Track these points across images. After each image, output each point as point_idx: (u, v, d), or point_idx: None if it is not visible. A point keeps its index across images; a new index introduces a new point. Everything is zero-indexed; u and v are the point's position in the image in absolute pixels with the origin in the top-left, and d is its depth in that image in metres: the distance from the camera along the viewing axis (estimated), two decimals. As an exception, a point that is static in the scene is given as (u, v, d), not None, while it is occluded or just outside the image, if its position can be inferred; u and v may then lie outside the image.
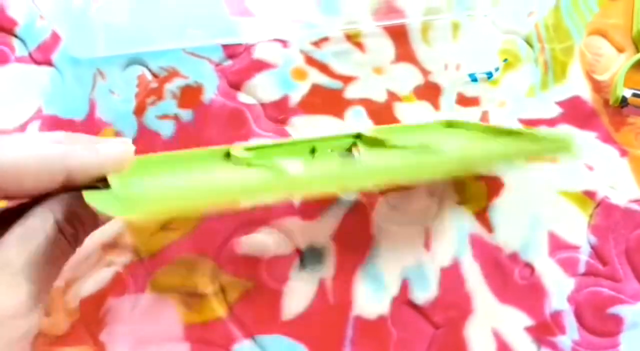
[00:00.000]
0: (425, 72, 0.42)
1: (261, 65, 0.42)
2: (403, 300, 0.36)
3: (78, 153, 0.25)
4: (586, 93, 0.41)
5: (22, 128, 0.39)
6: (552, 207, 0.39)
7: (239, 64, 0.42)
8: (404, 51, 0.43)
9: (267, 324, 0.35)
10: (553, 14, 0.43)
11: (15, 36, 0.41)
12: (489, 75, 0.41)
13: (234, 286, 0.36)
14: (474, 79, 0.41)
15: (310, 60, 0.42)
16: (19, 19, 0.41)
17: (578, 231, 0.38)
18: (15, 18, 0.41)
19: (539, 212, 0.39)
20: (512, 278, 0.37)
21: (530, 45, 0.43)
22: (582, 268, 0.38)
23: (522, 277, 0.37)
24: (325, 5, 0.43)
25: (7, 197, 0.24)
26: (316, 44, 0.43)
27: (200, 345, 0.35)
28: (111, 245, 0.36)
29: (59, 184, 0.25)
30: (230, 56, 0.42)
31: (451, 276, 0.37)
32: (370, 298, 0.36)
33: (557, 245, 0.38)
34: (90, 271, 0.36)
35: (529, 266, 0.37)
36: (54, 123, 0.39)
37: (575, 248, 0.38)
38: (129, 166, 0.28)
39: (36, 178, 0.24)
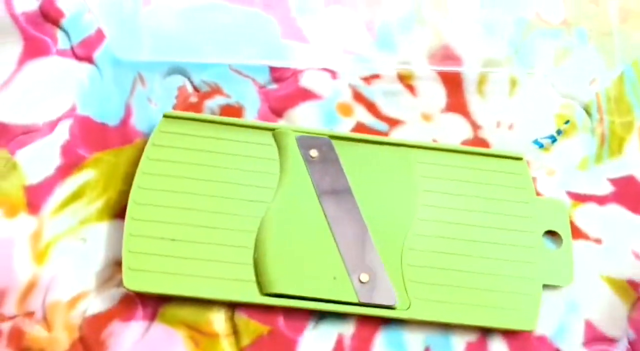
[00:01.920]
0: (475, 126, 0.38)
1: (307, 94, 0.38)
2: (423, 370, 0.32)
3: None
4: (641, 174, 0.37)
5: (53, 125, 0.35)
6: (592, 291, 0.34)
7: (284, 89, 0.38)
8: (456, 101, 0.38)
9: (277, 377, 0.31)
10: (616, 85, 0.39)
11: (60, 28, 0.37)
12: (553, 139, 0.37)
13: (248, 330, 0.32)
14: (540, 145, 0.37)
15: (358, 96, 0.38)
16: (67, 10, 0.37)
17: (617, 322, 0.33)
18: (63, 9, 0.37)
19: (578, 295, 0.33)
20: (540, 364, 0.32)
21: (589, 114, 0.38)
22: (616, 365, 0.33)
23: (551, 364, 0.33)
24: (381, 41, 0.39)
25: None
26: (366, 79, 0.38)
27: (203, 388, 0.31)
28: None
29: None
30: (276, 80, 0.38)
31: None
32: (389, 364, 0.32)
33: (593, 336, 0.32)
34: (99, 288, 0.32)
35: (560, 353, 0.33)
36: (86, 125, 0.35)
37: (612, 341, 0.32)
38: None
39: None
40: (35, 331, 0.31)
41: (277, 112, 0.36)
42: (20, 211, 0.33)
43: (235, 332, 0.31)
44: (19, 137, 0.34)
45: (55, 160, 0.34)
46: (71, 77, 0.36)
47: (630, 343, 0.33)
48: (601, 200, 0.35)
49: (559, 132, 0.37)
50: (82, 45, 0.36)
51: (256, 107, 0.36)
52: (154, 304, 0.31)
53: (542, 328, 0.32)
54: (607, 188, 0.36)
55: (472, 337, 0.32)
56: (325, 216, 0.33)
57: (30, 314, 0.31)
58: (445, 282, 0.32)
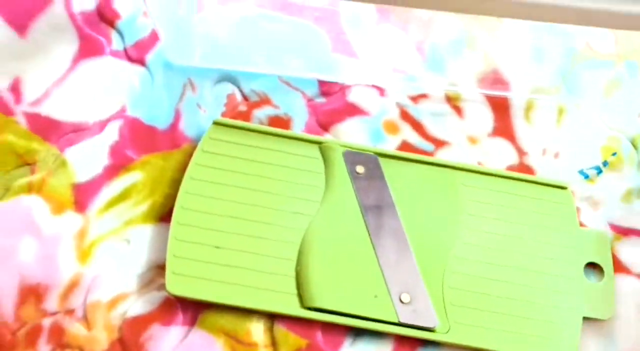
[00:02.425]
0: (521, 152, 0.37)
1: (354, 110, 0.38)
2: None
3: None
4: (685, 211, 0.37)
5: (102, 125, 0.35)
6: (633, 327, 0.33)
7: (332, 103, 0.38)
8: (503, 125, 0.38)
9: (312, 391, 0.31)
10: (665, 119, 0.39)
11: (115, 29, 0.37)
12: (599, 170, 0.37)
13: (286, 342, 0.31)
14: (585, 176, 0.37)
15: (405, 115, 0.38)
16: (123, 12, 0.37)
17: None
18: (119, 11, 0.37)
19: (618, 329, 0.32)
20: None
21: (636, 147, 0.38)
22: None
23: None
24: (431, 61, 0.39)
25: None
26: (414, 98, 0.38)
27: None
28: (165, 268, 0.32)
29: None
30: (325, 93, 0.38)
31: None
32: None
33: None
34: (140, 290, 0.32)
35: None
36: (135, 127, 0.35)
37: None
38: None
39: None
40: (75, 329, 0.31)
41: (324, 126, 0.36)
42: (67, 208, 0.33)
43: (274, 343, 0.31)
44: (69, 135, 0.34)
45: (103, 160, 0.34)
46: (123, 78, 0.36)
47: (668, 381, 0.32)
48: (644, 235, 0.35)
49: (605, 163, 0.36)
50: (135, 47, 0.37)
51: (304, 120, 0.36)
52: (194, 310, 0.31)
53: (580, 360, 0.32)
54: (652, 223, 0.35)
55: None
56: (369, 233, 0.32)
57: (71, 312, 0.31)
58: (485, 308, 0.32)
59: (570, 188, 0.35)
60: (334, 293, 0.31)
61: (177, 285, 0.30)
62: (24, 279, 0.31)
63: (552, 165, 0.37)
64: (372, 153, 0.35)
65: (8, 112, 0.34)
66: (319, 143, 0.34)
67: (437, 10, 0.31)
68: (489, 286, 0.32)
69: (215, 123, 0.34)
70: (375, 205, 0.33)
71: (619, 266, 0.34)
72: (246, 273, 0.31)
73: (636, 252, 0.35)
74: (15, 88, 0.34)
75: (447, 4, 0.31)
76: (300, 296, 0.31)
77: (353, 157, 0.34)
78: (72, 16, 0.36)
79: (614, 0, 0.31)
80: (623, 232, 0.35)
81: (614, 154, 0.37)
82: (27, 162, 0.33)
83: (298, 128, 0.36)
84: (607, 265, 0.34)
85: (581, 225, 0.35)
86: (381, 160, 0.34)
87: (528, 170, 0.36)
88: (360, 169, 0.34)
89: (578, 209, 0.35)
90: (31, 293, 0.31)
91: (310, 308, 0.31)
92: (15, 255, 0.32)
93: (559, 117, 0.38)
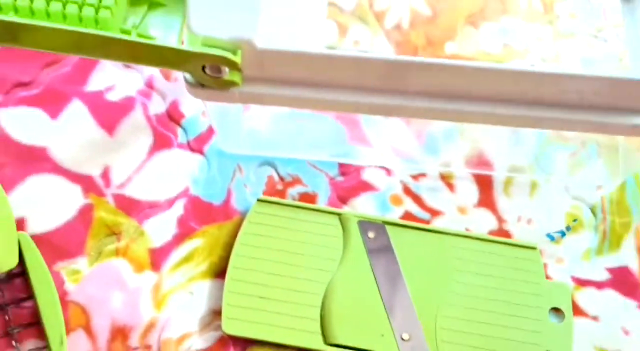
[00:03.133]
0: (500, 220, 0.46)
1: (367, 186, 0.46)
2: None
3: None
4: (635, 266, 0.45)
5: (171, 202, 0.45)
6: (587, 360, 0.42)
7: (349, 182, 0.47)
8: (486, 198, 0.47)
9: None
10: (618, 191, 0.47)
11: (180, 126, 0.48)
12: (563, 234, 0.46)
13: (312, 370, 0.40)
14: (552, 238, 0.46)
15: (407, 190, 0.47)
16: (187, 113, 0.48)
17: None
18: (184, 112, 0.48)
19: None
20: None
21: (594, 214, 0.47)
22: None
23: None
24: (427, 147, 0.48)
25: None
26: (415, 177, 0.48)
27: None
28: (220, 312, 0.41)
29: None
30: (343, 173, 0.47)
31: None
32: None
33: None
34: (201, 331, 0.41)
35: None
36: (197, 203, 0.45)
37: None
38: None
39: None
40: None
41: (343, 200, 0.45)
42: (146, 268, 0.42)
43: (302, 371, 0.40)
44: (146, 210, 0.44)
45: (172, 230, 0.44)
46: (186, 165, 0.46)
47: (617, 404, 0.40)
48: (599, 285, 0.43)
49: (568, 228, 0.45)
50: (196, 140, 0.47)
51: (327, 195, 0.45)
52: (242, 345, 0.40)
53: (545, 386, 0.40)
54: (605, 276, 0.44)
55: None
56: (378, 285, 0.41)
57: (148, 347, 0.40)
58: (470, 343, 0.40)
59: (539, 248, 0.44)
60: (350, 333, 0.40)
61: (231, 326, 0.40)
62: (114, 322, 0.41)
63: (525, 229, 0.45)
64: (380, 222, 0.44)
65: (100, 194, 0.44)
66: (338, 214, 0.44)
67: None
68: (472, 326, 0.41)
69: (259, 200, 0.44)
70: (383, 263, 0.42)
71: (578, 311, 0.43)
72: (283, 317, 0.40)
73: (592, 299, 0.43)
74: (105, 175, 0.45)
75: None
76: (324, 335, 0.40)
77: (365, 225, 0.43)
78: (148, 118, 0.47)
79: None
80: (582, 283, 0.44)
81: (574, 221, 0.45)
82: (114, 232, 0.43)
83: (322, 202, 0.45)
84: (568, 310, 0.42)
85: (547, 277, 0.43)
86: (387, 228, 0.44)
87: (506, 233, 0.45)
88: (371, 234, 0.43)
89: (545, 265, 0.44)
90: (119, 333, 0.41)
91: (331, 344, 0.40)
92: (108, 303, 0.41)
93: (531, 191, 0.47)
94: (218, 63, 0.35)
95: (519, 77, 0.35)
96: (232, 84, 0.36)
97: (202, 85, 0.37)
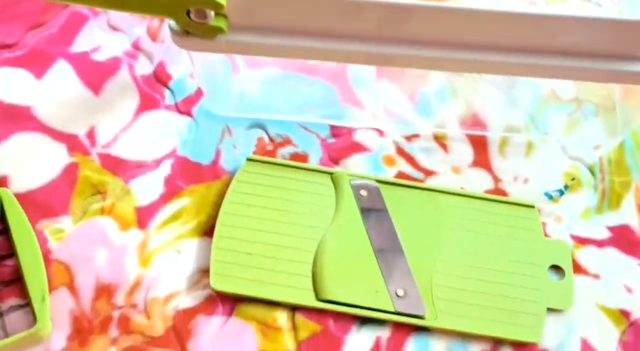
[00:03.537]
0: (496, 180, 0.45)
1: (359, 147, 0.45)
2: (444, 372, 0.39)
3: None
4: (636, 224, 0.43)
5: (158, 162, 0.44)
6: (589, 317, 0.39)
7: (341, 143, 0.46)
8: (481, 158, 0.45)
9: (326, 366, 0.38)
10: (617, 150, 0.46)
11: (168, 88, 0.46)
12: (561, 192, 0.44)
13: (305, 327, 0.39)
14: (550, 197, 0.44)
15: (401, 151, 0.46)
16: (174, 74, 0.46)
17: (609, 343, 0.39)
18: (171, 73, 0.47)
19: (577, 319, 0.39)
20: (544, 373, 0.38)
21: (593, 174, 0.45)
22: (608, 379, 0.37)
23: (553, 374, 0.38)
24: (421, 108, 0.47)
25: None
26: (408, 138, 0.46)
27: (267, 373, 0.38)
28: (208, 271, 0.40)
29: None
30: (335, 135, 0.46)
31: None
32: (417, 364, 0.38)
33: None
34: (189, 289, 0.40)
35: (560, 366, 0.39)
36: (184, 164, 0.44)
37: None
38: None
39: None
40: (137, 319, 0.38)
41: (335, 161, 0.44)
42: (132, 226, 0.41)
43: (295, 328, 0.38)
44: (132, 170, 0.43)
45: (159, 189, 0.42)
46: (174, 126, 0.45)
47: (620, 360, 0.39)
48: (600, 244, 0.42)
49: (566, 187, 0.44)
50: (183, 102, 0.45)
51: (318, 156, 0.44)
52: (231, 303, 0.39)
53: (545, 343, 0.39)
54: (606, 234, 0.42)
55: (486, 346, 0.39)
56: (371, 242, 0.40)
57: (134, 306, 0.39)
58: (466, 300, 0.39)
59: (537, 207, 0.42)
60: (343, 289, 0.38)
61: (219, 282, 0.38)
62: (98, 280, 0.39)
63: (522, 189, 0.44)
64: (373, 181, 0.42)
65: (86, 153, 0.43)
66: (330, 173, 0.42)
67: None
68: (468, 283, 0.39)
69: (249, 159, 0.42)
70: (376, 220, 0.41)
71: (579, 269, 0.41)
72: (273, 273, 0.39)
73: (593, 257, 0.42)
74: (91, 134, 0.43)
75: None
76: (316, 291, 0.38)
77: (358, 183, 0.42)
78: (134, 79, 0.45)
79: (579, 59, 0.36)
80: (582, 241, 0.42)
81: (573, 179, 0.44)
82: (99, 191, 0.42)
83: (314, 162, 0.44)
84: (568, 267, 0.40)
85: (547, 236, 0.42)
86: (380, 186, 0.42)
87: (502, 193, 0.44)
88: (364, 193, 0.42)
89: (544, 224, 0.42)
90: (104, 291, 0.39)
91: (323, 300, 0.38)
92: (93, 261, 0.40)
93: (528, 151, 0.45)
94: (203, 6, 0.34)
95: (515, 20, 0.34)
96: (218, 30, 0.35)
97: (188, 33, 0.36)
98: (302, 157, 0.44)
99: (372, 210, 0.41)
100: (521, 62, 0.36)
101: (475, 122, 0.46)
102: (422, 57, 0.36)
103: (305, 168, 0.42)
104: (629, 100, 0.46)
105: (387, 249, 0.40)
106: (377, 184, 0.42)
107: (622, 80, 0.37)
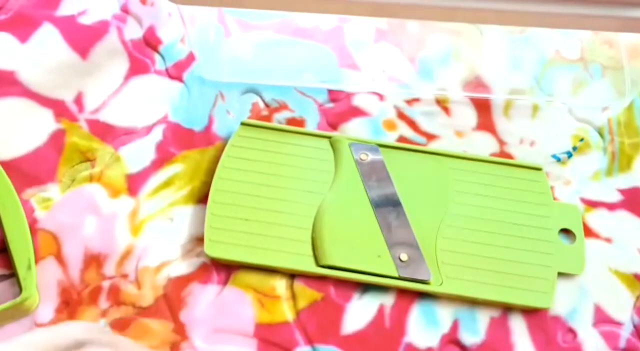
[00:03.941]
0: (501, 142, 0.43)
1: (358, 112, 0.43)
2: (451, 339, 0.37)
3: None
4: (647, 186, 0.41)
5: (149, 129, 0.41)
6: (602, 281, 0.37)
7: (339, 107, 0.44)
8: (485, 121, 0.43)
9: (327, 335, 0.36)
10: (626, 112, 0.44)
11: (158, 52, 0.44)
12: (569, 154, 0.42)
13: (304, 295, 0.37)
14: (558, 159, 0.42)
15: (401, 115, 0.44)
16: (164, 39, 0.44)
17: (624, 309, 0.37)
18: (162, 38, 0.44)
19: (589, 283, 0.37)
20: (555, 339, 0.36)
21: (601, 136, 0.43)
22: (622, 344, 0.36)
23: (564, 341, 0.37)
24: (422, 71, 0.45)
25: None
26: (408, 102, 0.44)
27: (266, 344, 0.35)
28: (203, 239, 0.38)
29: None
30: (333, 100, 0.44)
31: (499, 325, 0.36)
32: (423, 330, 0.36)
33: (601, 318, 0.36)
34: (182, 257, 0.38)
35: (572, 331, 0.37)
36: (176, 130, 0.41)
37: (619, 324, 0.36)
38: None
39: None
40: (128, 289, 0.36)
41: (333, 126, 0.42)
42: (122, 193, 0.39)
43: (294, 297, 0.36)
44: (122, 137, 0.41)
45: (150, 155, 0.40)
46: (165, 92, 0.42)
47: (635, 326, 0.37)
48: (611, 207, 0.40)
49: (574, 148, 0.42)
50: (174, 67, 0.43)
51: (316, 121, 0.42)
52: (227, 271, 0.37)
53: (556, 309, 0.37)
54: (617, 197, 0.40)
55: (495, 313, 0.37)
56: (372, 206, 0.38)
57: (125, 275, 0.37)
58: (473, 265, 0.37)
59: (545, 170, 0.40)
60: (344, 254, 0.36)
61: (214, 249, 0.36)
62: (87, 249, 0.37)
63: (528, 151, 0.42)
64: (374, 144, 0.40)
65: (73, 119, 0.41)
66: (328, 137, 0.40)
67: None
68: (475, 248, 0.37)
69: (243, 123, 0.40)
70: (377, 184, 0.39)
71: (590, 233, 0.39)
72: (270, 239, 0.37)
73: (604, 220, 0.40)
74: (79, 100, 0.41)
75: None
76: (315, 257, 0.36)
77: (358, 147, 0.40)
78: (123, 43, 0.43)
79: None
80: (593, 204, 0.40)
81: (581, 140, 0.42)
82: (88, 158, 0.40)
83: (311, 127, 0.42)
84: (578, 231, 0.38)
85: (555, 199, 0.40)
86: (382, 150, 0.40)
87: (508, 156, 0.42)
88: (364, 156, 0.40)
89: (552, 187, 0.40)
90: (93, 261, 0.37)
91: (324, 266, 0.36)
92: (81, 230, 0.38)
93: (533, 113, 0.43)
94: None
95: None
96: (211, -21, 0.33)
97: (178, -18, 0.34)
98: (298, 122, 0.42)
99: (373, 174, 0.39)
100: (528, 10, 0.34)
101: (478, 84, 0.44)
102: (428, 6, 0.34)
103: (302, 133, 0.40)
104: (637, 59, 0.44)
105: (390, 214, 0.38)
106: (378, 147, 0.40)
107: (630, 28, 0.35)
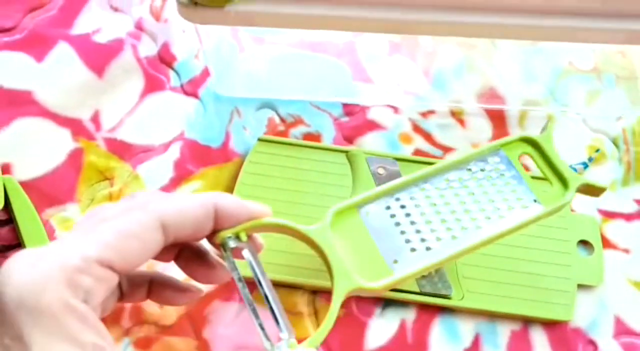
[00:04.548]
0: (517, 154, 0.43)
1: (373, 126, 0.44)
2: (473, 353, 0.37)
3: (229, 204, 0.27)
4: (663, 196, 0.41)
5: (166, 146, 0.42)
6: (621, 293, 0.38)
7: (355, 121, 0.44)
8: (500, 133, 0.43)
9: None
10: (640, 121, 0.44)
11: (173, 69, 0.44)
12: (585, 165, 0.42)
13: (326, 311, 0.37)
14: (574, 170, 0.42)
15: (417, 128, 0.44)
16: (179, 55, 0.44)
17: None
18: (176, 54, 0.44)
19: (608, 295, 0.37)
20: (576, 351, 0.37)
21: (616, 146, 0.43)
22: (643, 355, 0.37)
23: (585, 353, 0.37)
24: (436, 83, 0.45)
25: (173, 241, 0.25)
26: (424, 114, 0.44)
27: (288, 361, 0.36)
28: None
29: (209, 231, 0.27)
30: (348, 113, 0.44)
31: (520, 338, 0.36)
32: (445, 345, 0.36)
33: (622, 329, 0.36)
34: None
35: (593, 343, 0.37)
36: (193, 147, 0.42)
37: (639, 335, 0.37)
38: None
39: (195, 223, 0.25)
40: (150, 308, 0.36)
41: (349, 139, 0.42)
42: (141, 212, 0.38)
43: (316, 313, 0.36)
44: (139, 155, 0.41)
45: (169, 173, 0.40)
46: (181, 108, 0.42)
47: (655, 337, 0.36)
48: (628, 217, 0.40)
49: (590, 159, 0.41)
50: (190, 84, 0.43)
51: (332, 136, 0.42)
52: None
53: (576, 321, 0.37)
54: (634, 207, 0.40)
55: (516, 326, 0.37)
56: (391, 221, 0.38)
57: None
58: (493, 279, 0.36)
59: (561, 181, 0.40)
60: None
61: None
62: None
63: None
64: (391, 158, 0.40)
65: (91, 138, 0.41)
66: (345, 152, 0.40)
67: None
68: (496, 261, 0.37)
69: (260, 139, 0.40)
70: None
71: (608, 244, 0.39)
72: (291, 255, 0.36)
73: (622, 231, 0.40)
74: (95, 119, 0.41)
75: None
76: None
77: (375, 161, 0.40)
78: (138, 60, 0.43)
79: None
80: (610, 215, 0.40)
81: (597, 151, 0.42)
82: (106, 177, 0.40)
83: (327, 142, 0.42)
84: (596, 242, 0.38)
85: (573, 211, 0.40)
86: (399, 163, 0.40)
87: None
88: (381, 170, 0.40)
89: (569, 198, 0.40)
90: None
91: None
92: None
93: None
94: (212, -27, 0.32)
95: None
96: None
97: (196, 4, 0.34)
98: (315, 137, 0.42)
99: (391, 188, 0.39)
100: (539, 24, 0.34)
101: (492, 96, 0.44)
102: (434, 22, 0.34)
103: (319, 148, 0.40)
104: (651, 69, 0.44)
105: (409, 228, 0.37)
106: (395, 161, 0.40)
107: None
